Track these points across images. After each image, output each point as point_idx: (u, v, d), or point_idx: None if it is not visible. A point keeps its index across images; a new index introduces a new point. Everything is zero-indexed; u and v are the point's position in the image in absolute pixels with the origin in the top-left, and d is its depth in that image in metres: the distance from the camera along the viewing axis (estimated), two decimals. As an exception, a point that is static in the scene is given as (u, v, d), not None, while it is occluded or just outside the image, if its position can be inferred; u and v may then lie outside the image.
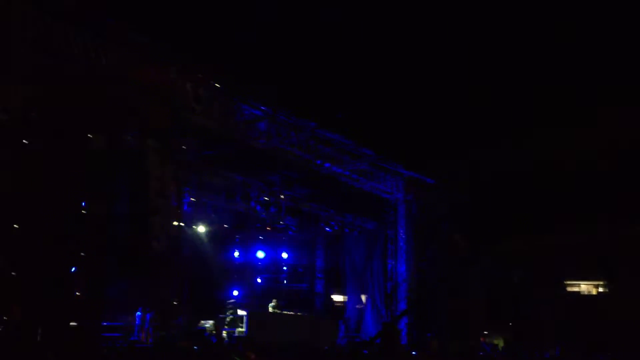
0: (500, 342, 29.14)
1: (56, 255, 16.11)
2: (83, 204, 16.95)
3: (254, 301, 29.32)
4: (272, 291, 30.87)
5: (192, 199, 25.59)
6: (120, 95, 17.41)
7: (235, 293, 29.06)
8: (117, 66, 17.10)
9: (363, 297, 31.21)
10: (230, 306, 26.62)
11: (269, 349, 18.78)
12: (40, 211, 15.69)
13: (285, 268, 32.66)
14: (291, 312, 30.32)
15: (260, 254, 31.15)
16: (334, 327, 28.00)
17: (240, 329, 24.62)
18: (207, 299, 26.61)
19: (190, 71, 18.82)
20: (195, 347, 19.47)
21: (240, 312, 25.38)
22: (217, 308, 26.44)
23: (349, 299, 32.03)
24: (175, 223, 22.55)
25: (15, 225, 15.29)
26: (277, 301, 29.49)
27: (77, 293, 16.89)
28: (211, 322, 24.84)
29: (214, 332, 24.18)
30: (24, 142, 15.39)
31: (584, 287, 33.05)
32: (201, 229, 27.49)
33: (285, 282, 32.87)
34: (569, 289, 33.33)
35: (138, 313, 21.86)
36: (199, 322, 24.82)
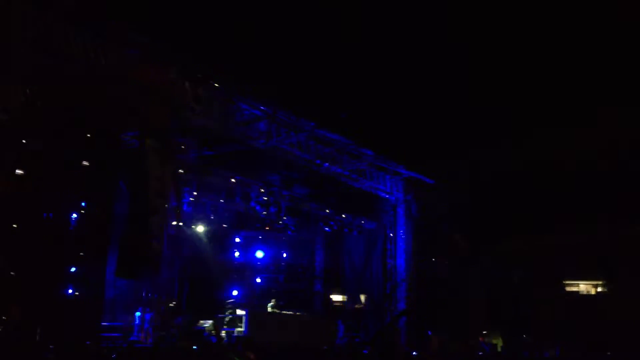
0: (499, 342, 29.10)
1: (55, 255, 16.09)
2: (83, 204, 16.93)
3: (253, 301, 29.31)
4: (271, 291, 30.86)
5: (192, 199, 25.58)
6: (120, 95, 17.38)
7: (235, 293, 29.04)
8: (117, 66, 17.07)
9: (362, 297, 31.18)
10: (229, 306, 26.57)
11: (269, 349, 18.75)
12: (39, 211, 15.68)
13: (283, 264, 32.68)
14: (290, 312, 30.31)
15: (260, 254, 31.13)
16: (333, 327, 27.96)
17: (239, 329, 24.59)
18: (206, 298, 26.59)
19: (190, 71, 18.78)
20: (194, 347, 19.47)
21: (240, 312, 25.34)
22: (216, 308, 26.39)
23: (348, 298, 31.99)
24: (174, 223, 22.60)
25: (14, 225, 15.26)
26: (276, 301, 29.47)
27: (76, 293, 16.88)
28: (210, 321, 24.83)
29: (213, 332, 24.16)
30: (24, 142, 15.37)
31: (583, 287, 33.03)
32: (200, 228, 27.46)
33: (284, 281, 32.85)
34: (568, 288, 33.31)
35: (137, 313, 21.86)
36: (198, 322, 24.81)
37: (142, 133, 18.21)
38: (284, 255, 32.32)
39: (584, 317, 28.38)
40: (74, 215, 16.74)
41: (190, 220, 26.19)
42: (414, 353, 22.74)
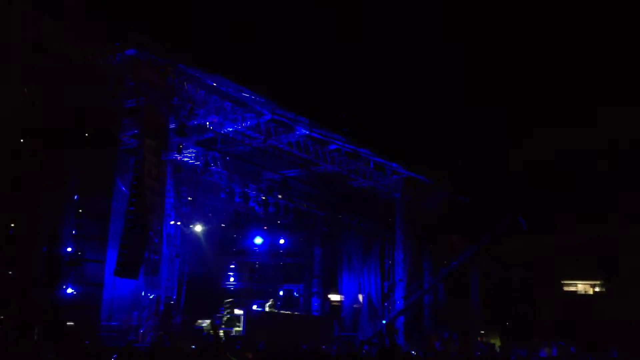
0: (497, 342, 29.11)
1: (54, 255, 16.03)
2: (81, 203, 16.89)
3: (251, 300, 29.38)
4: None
5: (190, 199, 25.51)
6: (119, 95, 17.35)
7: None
8: (116, 66, 17.01)
9: (360, 297, 31.18)
10: (227, 305, 26.55)
11: (266, 349, 18.71)
12: (39, 211, 15.63)
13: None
14: (288, 312, 30.31)
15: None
16: (330, 327, 27.96)
17: (237, 328, 24.58)
18: (205, 298, 26.58)
19: (189, 71, 18.72)
20: (192, 347, 19.43)
21: (238, 312, 25.34)
22: (214, 307, 26.38)
23: (345, 298, 31.99)
24: (172, 222, 22.56)
25: (12, 225, 15.21)
26: (273, 300, 29.49)
27: (75, 293, 16.84)
28: (208, 321, 24.81)
29: (211, 331, 24.14)
30: (23, 142, 15.32)
31: (581, 287, 33.09)
32: (198, 228, 27.42)
33: (283, 281, 32.93)
34: (566, 288, 33.37)
35: (135, 313, 21.81)
36: (196, 321, 24.78)
37: (141, 133, 18.15)
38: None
39: (581, 317, 28.40)
40: (73, 215, 16.69)
41: (189, 220, 26.13)
42: (413, 352, 22.72)
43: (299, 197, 27.42)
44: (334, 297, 32.87)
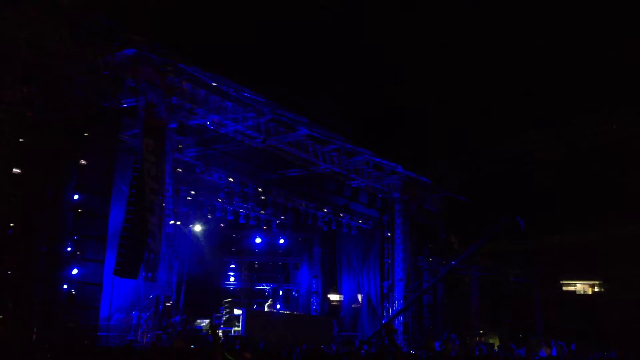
0: (496, 341, 29.13)
1: (53, 254, 16.03)
2: (81, 203, 16.88)
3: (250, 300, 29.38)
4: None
5: (189, 198, 25.54)
6: (118, 95, 17.36)
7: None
8: (116, 66, 17.03)
9: (359, 296, 31.20)
10: (226, 305, 26.55)
11: (266, 348, 18.73)
12: (38, 210, 15.63)
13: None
14: (287, 311, 30.33)
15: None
16: (329, 326, 27.97)
17: (236, 328, 24.58)
18: (204, 298, 26.59)
19: (189, 70, 18.72)
20: (191, 347, 19.44)
21: (237, 311, 25.34)
22: (214, 307, 26.39)
23: (345, 298, 32.02)
24: (171, 222, 22.53)
25: (11, 224, 15.20)
26: (272, 300, 29.50)
27: (74, 292, 16.83)
28: (207, 321, 24.82)
29: (210, 331, 24.14)
30: (22, 141, 15.32)
31: (580, 287, 33.12)
32: (198, 228, 27.44)
33: (282, 281, 32.95)
34: (565, 288, 33.41)
35: (134, 312, 21.81)
36: (195, 321, 24.79)
37: (140, 132, 18.16)
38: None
39: (580, 317, 28.45)
40: (72, 214, 16.68)
41: (188, 220, 26.15)
42: (412, 352, 22.74)
43: (298, 196, 27.44)
44: (333, 297, 32.89)
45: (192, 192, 25.26)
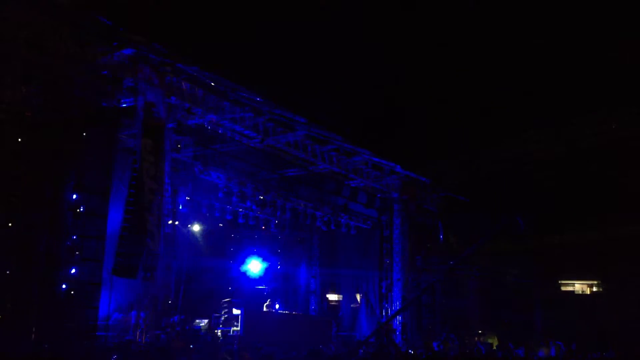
0: (494, 341, 29.15)
1: (52, 254, 16.00)
2: (80, 202, 16.86)
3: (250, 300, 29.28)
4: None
5: (187, 198, 25.48)
6: (117, 94, 17.33)
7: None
8: (115, 65, 17.00)
9: (358, 296, 31.18)
10: (225, 305, 26.52)
11: (264, 348, 18.73)
12: (37, 210, 15.61)
13: (279, 267, 32.68)
14: (286, 311, 30.29)
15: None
16: (328, 326, 27.96)
17: (235, 328, 24.56)
18: (203, 298, 26.55)
19: (188, 70, 18.71)
20: (190, 346, 19.43)
21: (235, 311, 25.31)
22: (212, 307, 26.35)
23: (343, 298, 32.00)
24: (170, 222, 22.50)
25: (10, 224, 15.18)
26: (271, 300, 29.45)
27: (73, 292, 16.80)
28: (206, 321, 24.79)
29: (208, 331, 24.15)
30: (20, 141, 15.30)
31: (578, 287, 33.14)
32: (196, 228, 27.39)
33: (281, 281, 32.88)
34: (563, 288, 33.43)
35: (133, 312, 21.78)
36: (194, 321, 24.76)
37: (139, 132, 18.12)
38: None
39: (579, 317, 28.45)
40: (71, 214, 16.66)
41: (186, 220, 26.10)
42: (411, 352, 22.75)
43: (297, 196, 27.40)
44: (332, 297, 32.88)
45: (191, 192, 25.20)
